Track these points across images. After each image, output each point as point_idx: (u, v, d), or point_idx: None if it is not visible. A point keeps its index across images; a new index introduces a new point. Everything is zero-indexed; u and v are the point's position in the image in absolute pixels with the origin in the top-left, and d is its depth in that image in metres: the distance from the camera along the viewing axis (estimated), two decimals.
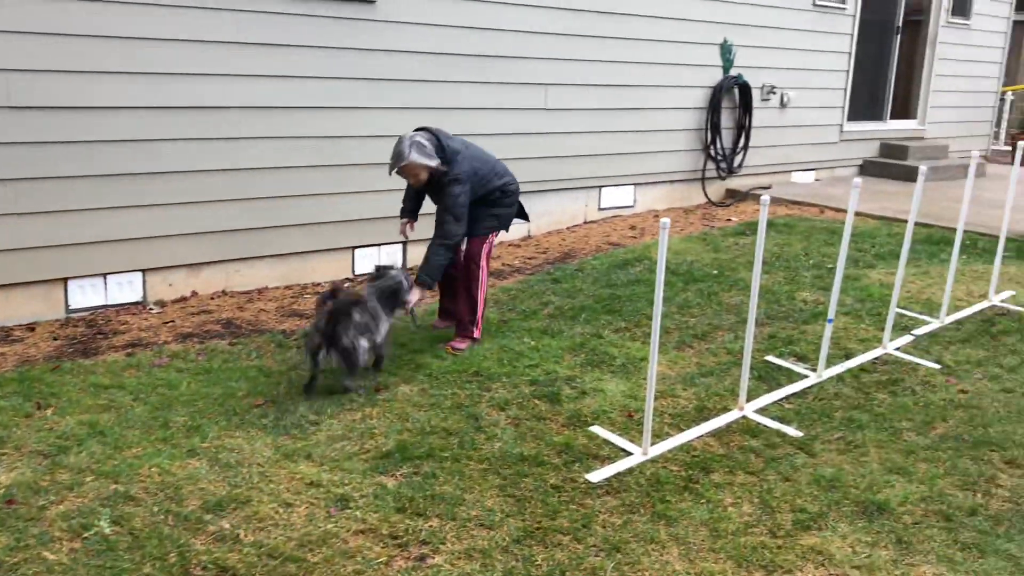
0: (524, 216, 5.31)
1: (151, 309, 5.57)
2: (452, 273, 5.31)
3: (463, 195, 4.75)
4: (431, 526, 3.22)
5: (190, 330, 5.22)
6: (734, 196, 9.36)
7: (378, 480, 3.51)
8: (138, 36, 5.27)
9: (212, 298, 5.83)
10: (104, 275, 5.47)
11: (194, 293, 5.83)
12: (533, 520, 3.28)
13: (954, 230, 7.86)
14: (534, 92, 7.34)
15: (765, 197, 3.97)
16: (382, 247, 6.58)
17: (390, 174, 4.77)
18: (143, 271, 5.60)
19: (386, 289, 4.58)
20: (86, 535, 3.10)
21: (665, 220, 3.49)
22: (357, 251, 6.51)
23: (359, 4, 6.15)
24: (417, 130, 4.81)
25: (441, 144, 4.76)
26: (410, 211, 5.21)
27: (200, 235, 5.75)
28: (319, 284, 6.27)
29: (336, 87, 6.16)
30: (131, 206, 5.44)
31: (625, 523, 3.29)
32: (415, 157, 4.65)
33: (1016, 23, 16.19)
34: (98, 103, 5.22)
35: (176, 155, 5.55)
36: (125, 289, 5.56)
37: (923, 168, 4.86)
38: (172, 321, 5.36)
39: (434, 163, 4.69)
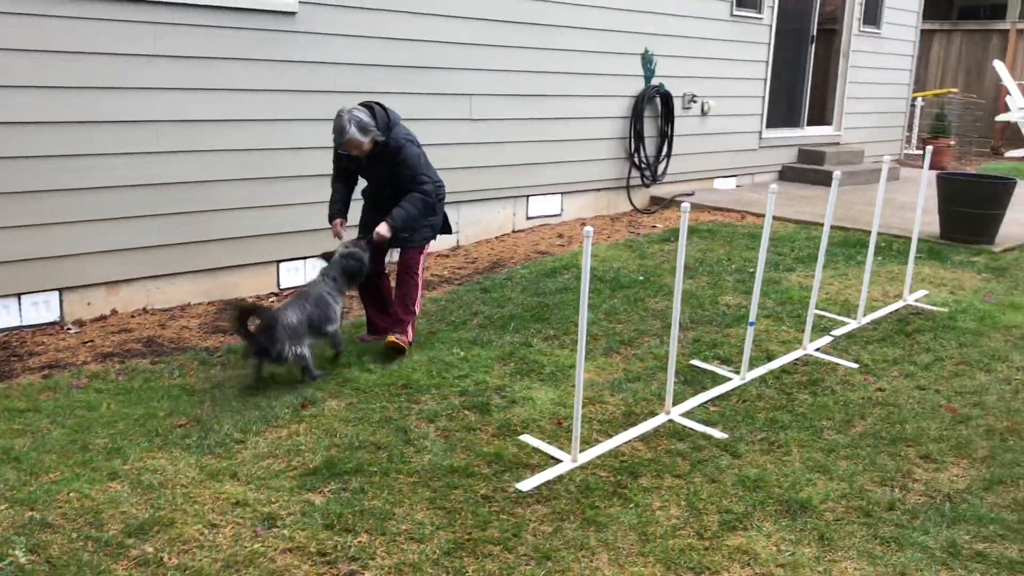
0: (448, 229, 5.32)
1: (69, 329, 5.41)
2: (379, 285, 5.29)
3: (422, 155, 4.91)
4: (360, 542, 3.19)
5: (110, 350, 5.09)
6: (659, 203, 9.51)
7: (306, 497, 3.47)
8: (52, 49, 5.13)
9: (133, 316, 5.69)
10: (18, 295, 5.29)
11: (114, 311, 5.69)
12: (463, 531, 3.27)
13: (870, 233, 8.12)
14: (459, 102, 7.35)
15: (685, 204, 4.04)
16: (308, 260, 6.51)
17: (337, 150, 4.84)
18: (60, 290, 5.44)
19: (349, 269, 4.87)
20: (0, 565, 2.99)
21: (588, 228, 3.53)
22: (282, 265, 6.43)
23: (280, 16, 6.09)
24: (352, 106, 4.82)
25: (385, 111, 4.82)
26: (341, 211, 5.18)
27: (119, 252, 5.61)
28: (244, 299, 6.17)
29: (258, 99, 6.08)
30: (46, 223, 5.29)
31: (555, 531, 3.31)
32: (354, 131, 4.67)
33: (923, 32, 16.80)
34: (9, 118, 5.06)
35: (94, 171, 5.41)
36: (41, 309, 5.40)
37: (837, 173, 5.00)
38: (91, 341, 5.22)
39: (372, 133, 4.75)
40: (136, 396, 4.39)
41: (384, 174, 4.95)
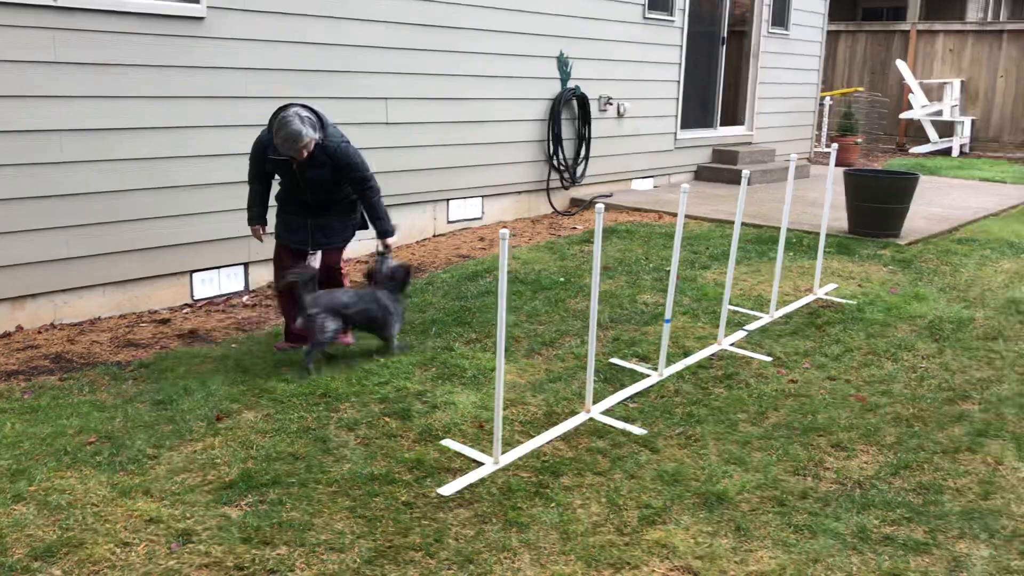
0: (366, 225, 5.30)
1: None
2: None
3: (358, 152, 4.96)
4: (279, 554, 3.14)
5: (15, 367, 4.91)
6: (579, 205, 9.59)
7: (222, 511, 3.40)
8: None
9: (40, 332, 5.50)
10: None
11: (19, 328, 5.49)
12: (384, 539, 3.25)
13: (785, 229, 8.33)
14: (374, 106, 7.31)
15: (599, 206, 4.08)
16: (222, 269, 6.38)
17: (289, 155, 4.69)
18: None
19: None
20: None
21: (504, 231, 3.54)
22: (196, 275, 6.29)
23: (187, 22, 5.96)
24: (285, 108, 4.72)
25: (315, 112, 4.80)
26: (261, 215, 5.15)
27: (23, 266, 5.42)
28: (156, 312, 6.02)
29: (166, 107, 5.94)
30: None
31: (477, 534, 3.31)
32: (310, 132, 4.64)
33: (830, 33, 17.32)
34: None
35: None
36: None
37: (745, 172, 5.12)
38: None
39: (319, 133, 4.75)
40: (43, 414, 4.24)
41: (320, 176, 4.85)
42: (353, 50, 7.06)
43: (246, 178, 5.13)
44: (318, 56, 6.80)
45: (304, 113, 4.66)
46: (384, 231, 5.09)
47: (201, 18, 6.01)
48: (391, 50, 7.36)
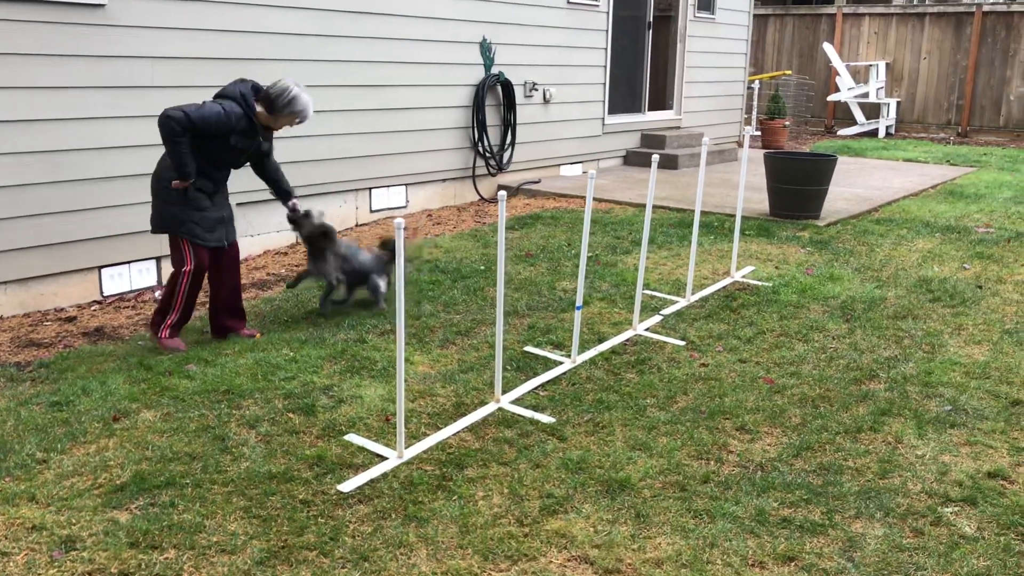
0: None
1: None
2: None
3: None
4: (167, 558, 3.05)
5: None
6: (506, 191, 9.52)
7: (110, 515, 3.29)
8: None
9: None
10: None
11: None
12: (279, 539, 3.17)
13: (707, 213, 8.39)
14: None
15: (502, 193, 4.04)
16: (132, 264, 6.21)
17: (300, 122, 5.02)
18: None
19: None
20: None
21: (399, 220, 3.48)
22: (104, 271, 6.11)
23: (88, 9, 5.76)
24: (240, 83, 4.90)
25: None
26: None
27: None
28: (62, 309, 5.84)
29: (68, 97, 5.74)
30: None
31: (375, 530, 3.25)
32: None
33: (758, 16, 17.49)
34: None
35: None
36: None
37: (655, 157, 5.12)
38: None
39: None
40: None
41: (257, 150, 5.00)
42: (268, 37, 6.90)
43: (157, 167, 4.89)
44: (231, 44, 6.63)
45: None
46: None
47: (102, 5, 5.82)
48: (308, 37, 7.22)
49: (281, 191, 5.27)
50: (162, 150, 4.75)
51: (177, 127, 4.59)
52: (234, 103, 4.76)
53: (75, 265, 5.95)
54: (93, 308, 5.92)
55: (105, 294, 6.13)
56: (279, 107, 4.84)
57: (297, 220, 5.40)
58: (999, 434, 4.05)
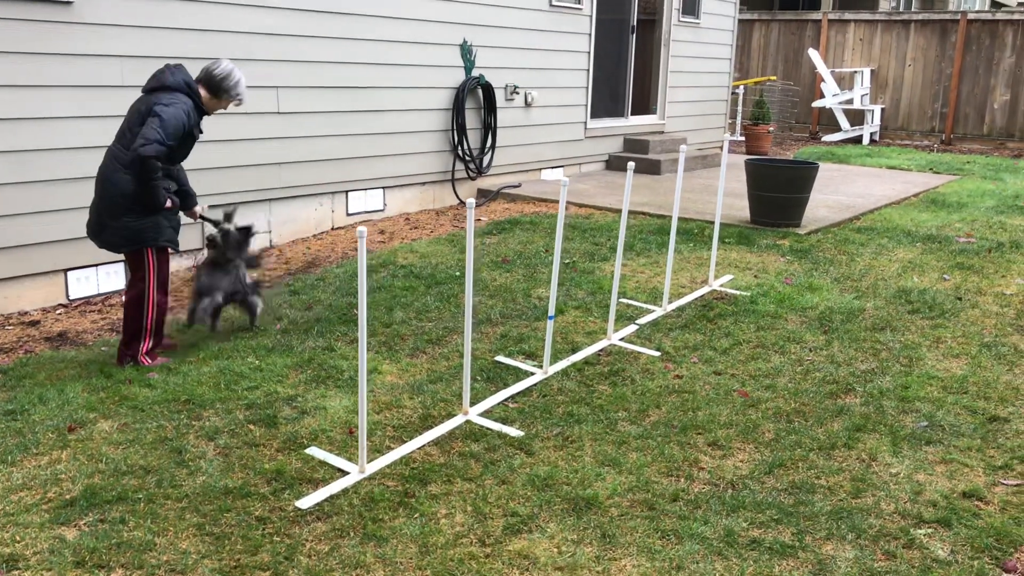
0: None
1: None
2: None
3: None
4: None
5: None
6: (485, 196, 9.45)
7: (58, 532, 3.17)
8: None
9: None
10: None
11: None
12: (231, 558, 3.07)
13: (687, 220, 8.32)
14: (264, 95, 7.03)
15: (470, 200, 3.93)
16: (100, 267, 6.07)
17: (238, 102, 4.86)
18: None
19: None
20: None
21: (362, 229, 3.37)
22: (71, 273, 5.97)
23: (53, 6, 5.63)
24: (176, 70, 4.68)
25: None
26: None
27: None
28: (26, 313, 5.70)
29: (32, 97, 5.61)
30: None
31: (332, 549, 3.14)
32: None
33: (744, 22, 17.47)
34: None
35: None
36: None
37: (631, 164, 5.02)
38: None
39: None
40: None
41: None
42: (239, 36, 6.78)
43: (109, 187, 4.67)
44: (201, 43, 6.50)
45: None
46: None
47: (69, 3, 5.69)
48: (282, 37, 7.10)
49: (183, 192, 4.90)
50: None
51: (159, 164, 4.41)
52: (184, 96, 4.56)
53: (40, 268, 5.81)
54: (58, 312, 5.79)
55: (71, 297, 5.99)
56: (224, 90, 4.69)
57: (223, 232, 5.02)
58: (975, 452, 3.98)
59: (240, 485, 3.51)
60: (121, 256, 5.00)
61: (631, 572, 3.06)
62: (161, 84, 4.57)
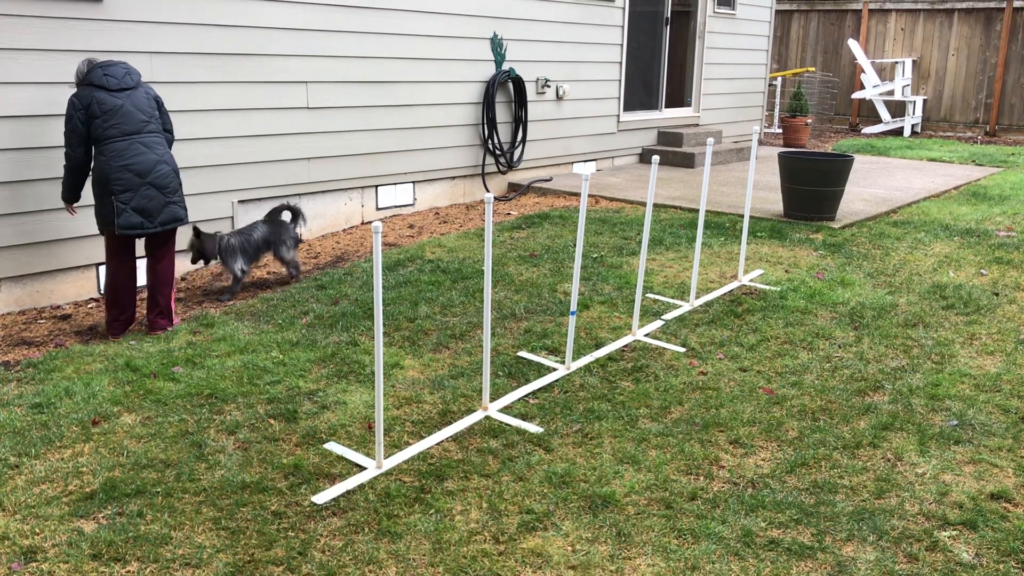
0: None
1: None
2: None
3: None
4: (129, 571, 2.96)
5: None
6: (516, 189, 9.42)
7: (76, 525, 3.21)
8: None
9: None
10: None
11: None
12: (245, 553, 3.08)
13: (720, 214, 8.23)
14: (294, 91, 7.07)
15: (488, 195, 3.91)
16: None
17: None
18: None
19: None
20: None
21: (377, 224, 3.36)
22: (102, 268, 6.05)
23: (86, 4, 5.70)
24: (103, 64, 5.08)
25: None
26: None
27: None
28: (59, 307, 5.79)
29: (64, 93, 5.67)
30: None
31: (346, 545, 3.15)
32: None
33: (782, 12, 17.23)
34: None
35: None
36: None
37: (655, 158, 4.96)
38: None
39: None
40: None
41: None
42: (268, 32, 6.82)
43: (172, 163, 5.25)
44: (231, 39, 6.55)
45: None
46: None
47: (99, 0, 5.75)
48: (311, 32, 7.13)
49: None
50: (175, 146, 5.09)
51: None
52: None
53: (73, 262, 5.90)
54: (90, 306, 5.87)
55: (103, 292, 6.07)
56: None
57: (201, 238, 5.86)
58: (1006, 452, 3.88)
59: (257, 480, 3.53)
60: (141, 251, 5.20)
61: (645, 572, 3.02)
62: (136, 80, 5.16)
